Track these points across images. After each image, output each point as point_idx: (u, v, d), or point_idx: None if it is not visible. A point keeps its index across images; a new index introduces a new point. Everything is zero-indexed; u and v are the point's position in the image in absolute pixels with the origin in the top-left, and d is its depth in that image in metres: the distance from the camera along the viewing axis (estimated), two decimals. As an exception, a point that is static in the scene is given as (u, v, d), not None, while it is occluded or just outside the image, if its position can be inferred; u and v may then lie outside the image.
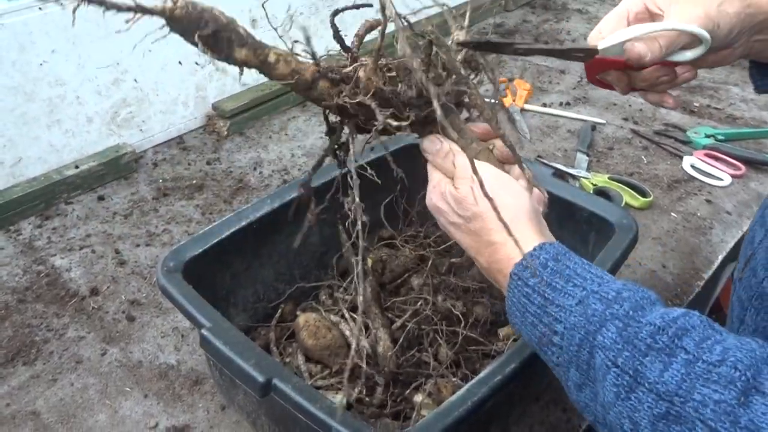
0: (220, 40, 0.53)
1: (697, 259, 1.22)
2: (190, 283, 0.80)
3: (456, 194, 0.64)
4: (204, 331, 0.73)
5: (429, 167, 0.70)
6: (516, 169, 0.70)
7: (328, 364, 0.88)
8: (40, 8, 1.32)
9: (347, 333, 0.90)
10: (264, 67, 0.58)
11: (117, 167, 1.45)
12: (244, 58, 0.55)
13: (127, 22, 0.49)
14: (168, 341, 1.05)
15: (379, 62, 0.62)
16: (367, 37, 0.71)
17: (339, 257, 1.04)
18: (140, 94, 1.51)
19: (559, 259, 0.58)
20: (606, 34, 0.70)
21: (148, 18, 0.50)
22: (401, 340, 0.88)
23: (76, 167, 1.40)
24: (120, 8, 0.46)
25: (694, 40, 0.68)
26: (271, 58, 0.58)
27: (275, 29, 0.59)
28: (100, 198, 1.39)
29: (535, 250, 0.59)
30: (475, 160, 0.65)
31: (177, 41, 1.54)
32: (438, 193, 0.67)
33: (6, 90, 1.30)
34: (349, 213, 0.63)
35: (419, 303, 0.93)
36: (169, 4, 0.49)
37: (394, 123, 0.60)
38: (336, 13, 0.60)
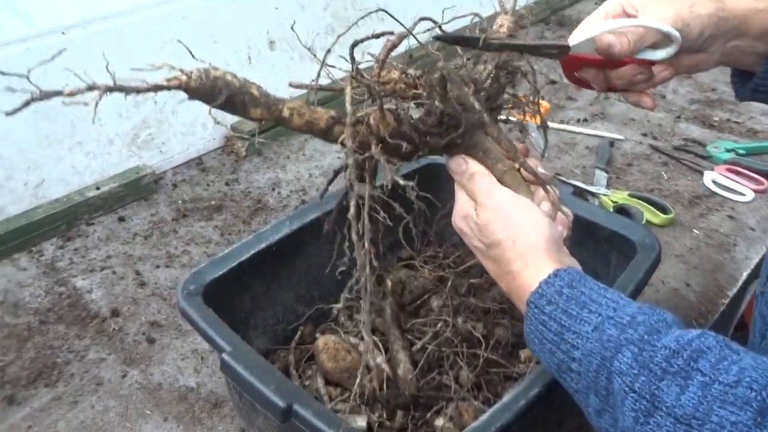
0: (235, 102, 0.55)
1: (721, 277, 1.21)
2: (210, 306, 0.80)
3: (477, 221, 0.65)
4: (225, 356, 0.73)
5: (456, 187, 0.71)
6: (541, 191, 0.69)
7: (347, 387, 0.88)
8: (63, 33, 1.34)
9: (367, 355, 0.89)
10: (280, 122, 0.61)
11: (137, 188, 1.46)
12: (260, 116, 0.58)
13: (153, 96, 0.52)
14: (188, 363, 1.05)
15: (390, 107, 0.63)
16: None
17: (359, 278, 1.04)
18: (160, 115, 1.53)
19: (574, 285, 0.59)
20: (583, 34, 0.72)
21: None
22: (421, 362, 0.88)
23: (98, 188, 1.42)
24: (140, 91, 0.49)
25: (664, 39, 0.69)
26: (285, 113, 0.60)
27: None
28: (121, 219, 1.40)
29: (550, 277, 0.60)
30: (497, 185, 0.66)
31: (196, 64, 1.56)
32: (462, 216, 0.68)
33: (30, 112, 1.31)
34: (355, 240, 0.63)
35: (439, 325, 0.92)
36: (184, 77, 0.52)
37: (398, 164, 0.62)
38: (356, 44, 0.61)
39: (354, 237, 0.62)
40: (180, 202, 1.45)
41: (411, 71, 0.68)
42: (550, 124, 1.70)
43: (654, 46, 0.70)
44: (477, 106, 0.65)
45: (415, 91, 0.66)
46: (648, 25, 0.68)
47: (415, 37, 0.64)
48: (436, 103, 0.64)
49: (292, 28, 0.59)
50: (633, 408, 0.49)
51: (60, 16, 1.34)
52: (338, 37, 0.67)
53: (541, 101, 1.75)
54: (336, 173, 0.73)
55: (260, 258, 0.90)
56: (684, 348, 0.49)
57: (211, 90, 0.54)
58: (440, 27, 0.67)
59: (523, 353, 0.92)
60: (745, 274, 1.22)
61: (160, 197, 1.47)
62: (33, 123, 1.33)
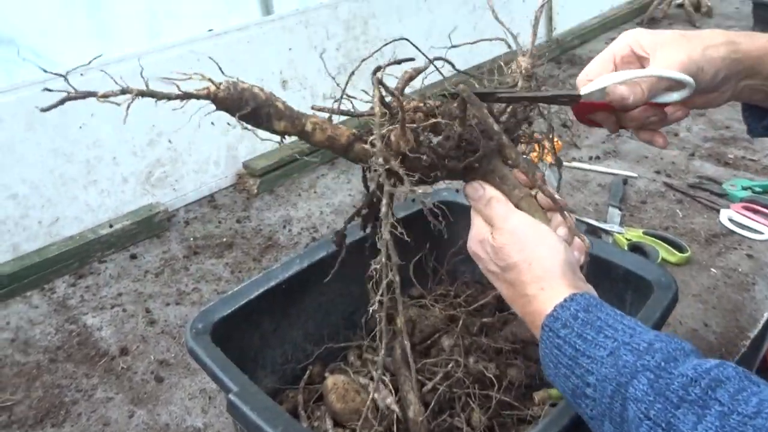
0: (260, 115, 0.56)
1: (741, 317, 1.18)
2: (218, 344, 0.79)
3: (494, 244, 0.65)
4: (231, 396, 0.71)
5: (472, 212, 0.71)
6: (558, 216, 0.69)
7: (357, 429, 0.86)
8: (81, 74, 1.37)
9: (376, 396, 0.87)
10: (302, 136, 0.61)
11: (150, 226, 1.47)
12: (283, 129, 0.58)
13: (181, 107, 0.54)
14: (195, 403, 1.03)
15: (410, 125, 0.64)
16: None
17: (368, 317, 1.02)
18: (174, 154, 1.55)
19: (590, 310, 0.58)
20: (593, 77, 0.71)
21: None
22: (432, 403, 0.85)
23: (111, 226, 1.43)
24: (170, 98, 0.51)
25: (678, 83, 0.68)
26: (308, 127, 0.61)
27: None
28: (133, 256, 1.41)
29: (566, 301, 0.59)
30: (513, 210, 0.66)
31: (210, 104, 1.58)
32: (478, 240, 0.68)
33: (47, 152, 1.34)
34: (374, 273, 0.63)
35: (450, 365, 0.90)
36: (213, 87, 0.53)
37: (411, 187, 0.62)
38: (377, 69, 0.62)
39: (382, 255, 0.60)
40: (192, 239, 1.46)
41: (430, 101, 0.68)
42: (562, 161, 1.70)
43: (668, 90, 0.69)
44: (496, 127, 0.65)
45: (434, 119, 0.67)
46: (662, 75, 0.67)
47: (436, 67, 0.65)
48: (455, 127, 0.65)
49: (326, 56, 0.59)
50: None
51: (79, 58, 1.37)
52: (362, 61, 0.68)
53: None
54: (357, 212, 0.73)
55: (269, 296, 0.89)
56: (702, 377, 0.48)
57: (238, 100, 0.55)
58: (453, 65, 0.67)
59: (537, 395, 0.89)
60: (766, 315, 1.19)
61: (172, 234, 1.48)
62: (50, 162, 1.35)
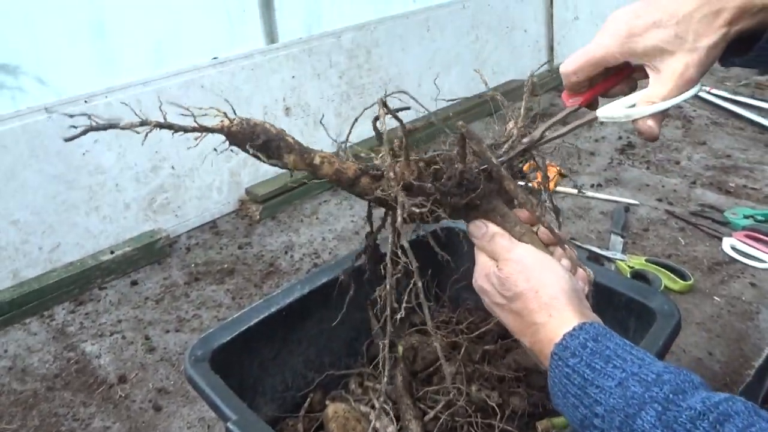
0: (271, 148, 0.59)
1: (745, 346, 1.16)
2: (217, 372, 0.78)
3: (499, 274, 0.65)
4: (230, 425, 0.70)
5: (476, 250, 0.71)
6: (559, 249, 0.69)
7: (357, 459, 0.84)
8: (85, 101, 1.38)
9: (377, 425, 0.86)
10: (311, 169, 0.63)
11: (151, 252, 1.47)
12: (293, 162, 0.60)
13: (195, 139, 0.56)
14: (194, 432, 1.02)
15: (413, 158, 0.65)
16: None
17: (369, 344, 1.01)
18: (177, 180, 1.56)
19: (599, 339, 0.57)
20: (580, 76, 0.70)
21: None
22: (434, 433, 0.84)
23: (112, 252, 1.43)
24: (186, 130, 0.53)
25: None
26: (317, 160, 0.62)
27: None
28: (133, 283, 1.40)
29: (574, 330, 0.59)
30: (517, 242, 0.66)
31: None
32: (483, 274, 0.68)
33: (49, 178, 1.35)
34: (379, 299, 0.63)
35: (452, 393, 0.89)
36: (226, 122, 0.56)
37: (417, 210, 0.63)
38: (376, 119, 0.64)
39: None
40: (193, 265, 1.45)
41: (430, 152, 0.70)
42: (564, 189, 1.70)
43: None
44: (494, 160, 0.66)
45: (435, 166, 0.68)
46: (680, 101, 0.67)
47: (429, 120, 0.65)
48: (456, 164, 0.66)
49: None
50: None
51: (83, 86, 1.39)
52: (364, 109, 0.69)
53: (551, 168, 1.76)
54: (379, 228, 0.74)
55: (270, 323, 0.89)
56: (710, 410, 0.47)
57: (250, 134, 0.57)
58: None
59: (540, 424, 0.88)
60: (770, 344, 1.18)
61: (174, 261, 1.48)
62: (52, 188, 1.35)
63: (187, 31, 1.58)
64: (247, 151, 0.58)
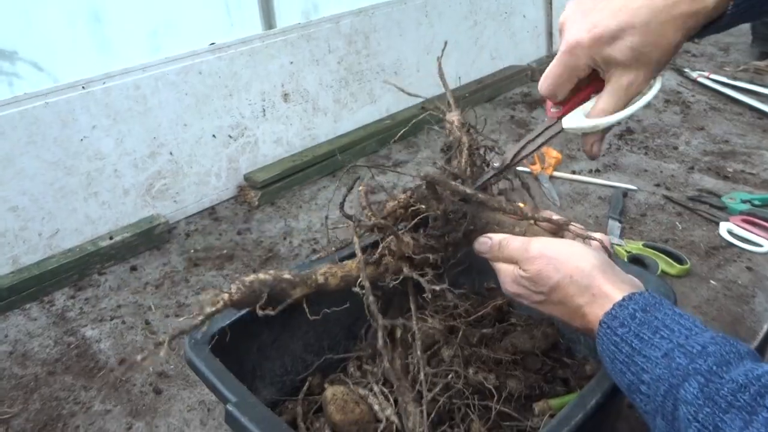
0: (277, 294, 0.61)
1: (741, 329, 1.17)
2: (217, 355, 0.79)
3: (527, 275, 0.66)
4: (229, 407, 0.71)
5: (492, 264, 0.72)
6: (567, 232, 0.70)
7: (356, 441, 0.85)
8: (83, 87, 1.38)
9: (376, 407, 0.87)
10: (319, 289, 0.65)
11: (150, 238, 1.47)
12: (301, 294, 0.63)
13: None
14: (194, 415, 1.03)
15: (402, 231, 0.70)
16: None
17: (368, 328, 1.02)
18: (175, 166, 1.56)
19: (648, 310, 0.59)
20: (560, 95, 0.70)
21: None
22: (432, 414, 0.85)
23: (111, 238, 1.43)
24: (198, 326, 0.56)
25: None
26: (320, 279, 0.65)
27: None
28: (133, 268, 1.41)
29: (624, 300, 0.60)
30: (529, 238, 0.68)
31: (212, 116, 1.59)
32: (509, 281, 0.69)
33: (48, 165, 1.35)
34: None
35: (450, 376, 0.90)
36: (226, 296, 0.58)
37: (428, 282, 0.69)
38: (342, 205, 0.67)
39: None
40: (192, 251, 1.46)
41: (402, 195, 0.72)
42: (562, 174, 1.70)
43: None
44: (468, 190, 0.69)
45: (413, 208, 0.71)
46: (636, 111, 0.67)
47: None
48: (436, 207, 0.69)
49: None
50: None
51: (80, 72, 1.39)
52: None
53: (552, 152, 1.77)
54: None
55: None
56: (752, 383, 0.49)
57: (252, 294, 0.59)
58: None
59: (537, 406, 0.89)
60: (766, 327, 1.19)
61: (173, 246, 1.48)
62: (50, 175, 1.36)
63: (185, 17, 1.57)
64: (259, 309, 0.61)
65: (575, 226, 0.71)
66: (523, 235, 0.70)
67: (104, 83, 1.40)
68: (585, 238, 0.70)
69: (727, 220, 1.46)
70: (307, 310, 0.64)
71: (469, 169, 0.77)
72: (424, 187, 0.69)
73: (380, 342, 0.64)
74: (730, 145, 1.85)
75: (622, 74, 0.65)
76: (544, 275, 0.65)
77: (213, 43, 1.59)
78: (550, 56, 2.52)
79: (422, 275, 0.68)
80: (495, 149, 0.78)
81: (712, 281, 1.29)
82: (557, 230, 0.71)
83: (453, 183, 0.69)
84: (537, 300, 0.67)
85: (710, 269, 1.33)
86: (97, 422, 1.03)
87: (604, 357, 0.61)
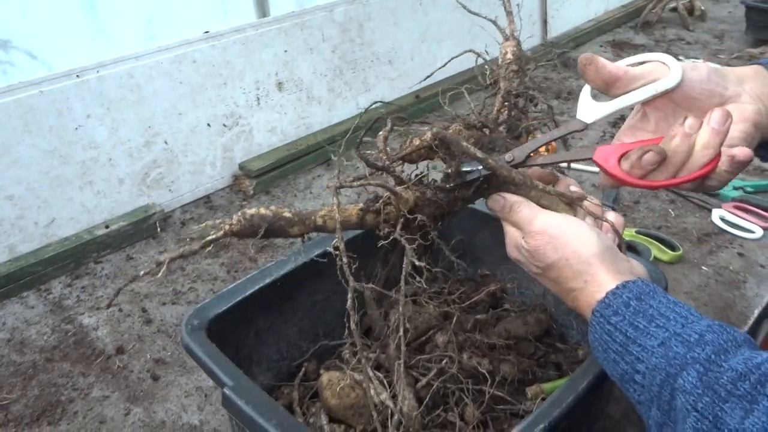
0: (274, 229, 0.62)
1: (732, 315, 1.19)
2: (213, 341, 0.80)
3: (527, 247, 0.66)
4: (226, 390, 0.72)
5: (502, 223, 0.71)
6: (581, 205, 0.69)
7: (351, 424, 0.86)
8: (77, 76, 1.38)
9: (371, 392, 0.88)
10: (317, 230, 0.65)
11: (146, 227, 1.48)
12: (299, 232, 0.64)
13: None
14: (191, 401, 1.04)
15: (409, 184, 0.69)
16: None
17: (363, 315, 1.03)
18: (170, 155, 1.56)
19: (643, 298, 0.58)
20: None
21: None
22: (426, 399, 0.86)
23: (107, 227, 1.43)
24: (196, 251, 0.57)
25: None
26: (319, 221, 0.65)
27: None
28: (129, 257, 1.41)
29: (618, 288, 0.59)
30: (538, 210, 0.67)
31: (206, 105, 1.59)
32: (513, 246, 0.69)
33: (43, 153, 1.35)
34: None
35: (444, 361, 0.91)
36: (227, 227, 0.60)
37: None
38: (359, 144, 0.67)
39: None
40: (188, 239, 1.46)
41: (428, 135, 0.70)
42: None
43: (654, 80, 0.66)
44: (479, 155, 0.66)
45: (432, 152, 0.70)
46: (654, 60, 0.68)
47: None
48: (451, 164, 0.68)
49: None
50: (695, 427, 0.49)
51: (75, 61, 1.38)
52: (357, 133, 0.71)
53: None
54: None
55: (265, 293, 0.90)
56: (752, 371, 0.48)
57: (251, 227, 0.61)
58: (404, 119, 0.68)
59: (530, 390, 0.90)
60: (756, 312, 1.20)
61: (168, 235, 1.49)
62: (46, 164, 1.36)
63: (179, 5, 1.57)
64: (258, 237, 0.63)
65: (591, 202, 0.69)
66: (539, 199, 0.68)
67: (98, 72, 1.40)
68: (597, 218, 0.68)
69: (720, 207, 1.47)
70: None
71: (501, 116, 0.74)
72: (436, 142, 0.67)
73: (349, 303, 0.64)
74: (723, 132, 1.86)
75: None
76: (541, 252, 0.64)
77: (207, 32, 1.59)
78: (545, 44, 2.53)
79: (412, 240, 0.67)
80: (538, 101, 0.75)
81: (704, 267, 1.31)
82: (574, 200, 0.69)
83: (464, 145, 0.66)
84: (534, 272, 0.67)
85: (702, 255, 1.34)
86: (96, 408, 1.04)
87: (596, 346, 0.60)
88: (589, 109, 0.70)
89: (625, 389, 0.58)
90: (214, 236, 0.58)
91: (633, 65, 0.69)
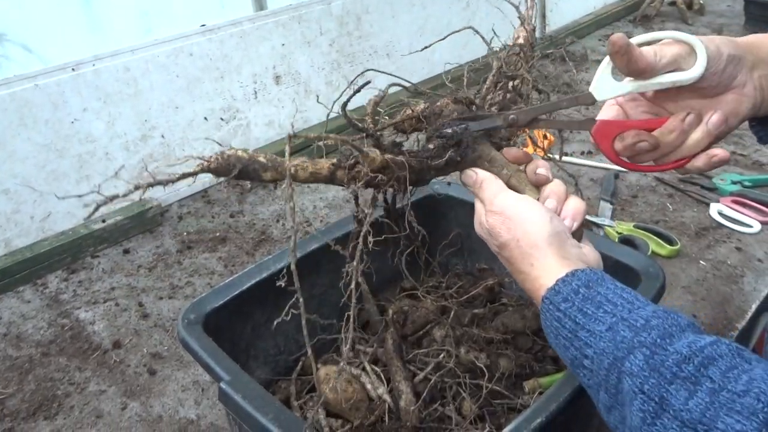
0: (248, 172, 0.64)
1: (729, 309, 1.19)
2: (210, 335, 0.80)
3: (487, 225, 0.67)
4: (223, 385, 0.72)
5: (474, 197, 0.72)
6: (546, 188, 0.69)
7: (349, 418, 0.86)
8: (73, 69, 1.37)
9: (368, 386, 0.88)
10: (291, 178, 0.67)
11: (143, 221, 1.47)
12: (271, 178, 0.65)
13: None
14: (188, 395, 1.04)
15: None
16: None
17: (360, 309, 1.03)
18: (167, 149, 1.55)
19: (591, 285, 0.59)
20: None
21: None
22: (424, 393, 0.86)
23: (103, 221, 1.43)
24: (174, 181, 0.59)
25: (688, 56, 0.67)
26: (291, 171, 0.66)
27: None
28: (126, 251, 1.41)
29: (567, 276, 0.60)
30: (501, 189, 0.68)
31: (203, 99, 1.58)
32: (477, 222, 0.70)
33: (39, 147, 1.34)
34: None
35: (442, 355, 0.91)
36: (205, 163, 0.63)
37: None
38: (345, 105, 0.67)
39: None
40: (185, 234, 1.46)
41: (420, 107, 0.73)
42: (554, 156, 1.71)
43: (677, 69, 0.66)
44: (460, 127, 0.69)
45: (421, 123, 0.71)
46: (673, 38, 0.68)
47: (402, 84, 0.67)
48: (431, 127, 0.69)
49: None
50: (641, 409, 0.50)
51: (70, 54, 1.37)
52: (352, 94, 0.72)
53: (545, 132, 1.76)
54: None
55: (262, 287, 0.90)
56: (696, 354, 0.49)
57: (227, 166, 0.63)
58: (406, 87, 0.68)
59: (527, 384, 0.90)
60: (754, 306, 1.20)
61: (165, 229, 1.48)
62: (42, 157, 1.35)
63: (175, -2, 1.56)
64: (231, 179, 0.65)
65: (556, 187, 0.69)
66: (508, 179, 0.69)
67: (94, 65, 1.39)
68: (563, 200, 0.69)
69: (718, 201, 1.47)
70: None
71: (495, 97, 0.75)
72: (421, 116, 0.70)
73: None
74: (722, 126, 1.86)
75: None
76: (496, 231, 0.66)
77: (204, 25, 1.58)
78: (544, 38, 2.52)
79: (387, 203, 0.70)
80: (533, 85, 0.76)
81: (701, 262, 1.30)
82: (541, 183, 0.70)
83: (440, 122, 0.70)
84: (494, 250, 0.68)
85: (700, 250, 1.34)
86: (92, 402, 1.03)
87: (548, 332, 0.62)
88: (605, 85, 0.69)
89: (576, 373, 0.60)
90: (190, 171, 0.61)
91: (662, 43, 0.68)
